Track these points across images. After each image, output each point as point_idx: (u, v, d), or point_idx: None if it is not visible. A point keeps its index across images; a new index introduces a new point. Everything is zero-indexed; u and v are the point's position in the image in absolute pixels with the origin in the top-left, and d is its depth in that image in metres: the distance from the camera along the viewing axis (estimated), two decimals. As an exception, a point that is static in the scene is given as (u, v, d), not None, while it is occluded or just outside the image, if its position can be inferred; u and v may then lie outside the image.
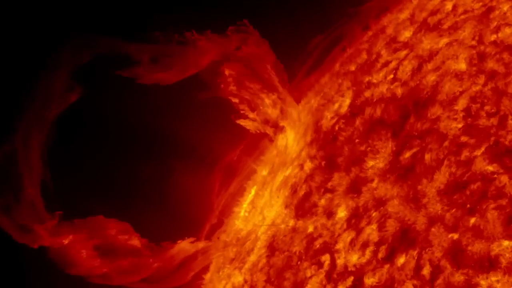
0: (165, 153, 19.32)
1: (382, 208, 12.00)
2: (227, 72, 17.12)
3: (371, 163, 12.96)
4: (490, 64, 12.32)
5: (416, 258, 10.72)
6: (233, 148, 19.17)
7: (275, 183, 16.37)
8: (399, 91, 13.85)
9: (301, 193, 14.61)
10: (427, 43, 14.36)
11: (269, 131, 17.84)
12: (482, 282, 9.66)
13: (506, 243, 9.75)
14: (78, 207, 17.46)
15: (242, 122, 17.49)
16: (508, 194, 10.22)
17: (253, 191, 18.20)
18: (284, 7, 20.72)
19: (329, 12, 19.61)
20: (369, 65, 15.81)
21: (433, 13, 15.26)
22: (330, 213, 13.17)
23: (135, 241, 16.34)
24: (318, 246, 12.91)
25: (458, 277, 9.95)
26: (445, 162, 11.38)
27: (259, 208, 16.83)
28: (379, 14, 17.64)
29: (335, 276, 12.00)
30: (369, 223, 12.04)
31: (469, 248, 10.09)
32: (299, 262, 13.18)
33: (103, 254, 16.09)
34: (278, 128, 17.86)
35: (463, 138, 11.48)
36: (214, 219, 18.37)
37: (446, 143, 11.66)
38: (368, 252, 11.66)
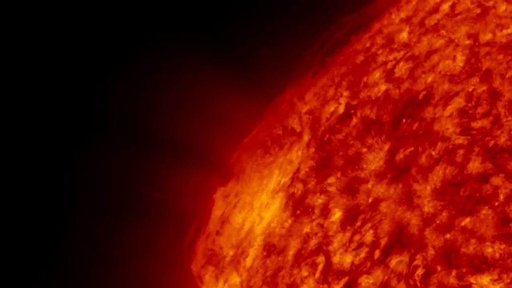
0: (164, 153, 19.34)
1: (377, 208, 11.99)
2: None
3: (366, 163, 12.95)
4: (486, 64, 12.31)
5: (410, 258, 10.71)
6: (231, 149, 19.19)
7: (272, 184, 16.36)
8: (395, 92, 13.84)
9: (297, 193, 14.60)
10: (423, 44, 14.36)
11: (269, 131, 17.85)
12: (475, 283, 9.63)
13: (499, 243, 9.73)
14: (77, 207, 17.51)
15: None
16: (502, 195, 10.20)
17: (250, 192, 18.18)
18: (283, 8, 20.74)
19: (328, 13, 19.61)
20: (366, 66, 15.80)
21: (430, 13, 15.25)
22: (325, 214, 13.16)
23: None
24: (313, 246, 12.90)
25: (452, 278, 9.93)
26: (440, 162, 11.37)
27: (256, 209, 16.82)
28: (377, 15, 17.62)
29: (329, 276, 11.98)
30: (364, 224, 12.03)
31: (463, 248, 10.07)
32: (294, 263, 13.17)
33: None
34: (276, 128, 17.86)
35: (458, 138, 11.46)
36: (211, 219, 18.36)
37: (440, 143, 11.65)
38: (363, 253, 11.65)
